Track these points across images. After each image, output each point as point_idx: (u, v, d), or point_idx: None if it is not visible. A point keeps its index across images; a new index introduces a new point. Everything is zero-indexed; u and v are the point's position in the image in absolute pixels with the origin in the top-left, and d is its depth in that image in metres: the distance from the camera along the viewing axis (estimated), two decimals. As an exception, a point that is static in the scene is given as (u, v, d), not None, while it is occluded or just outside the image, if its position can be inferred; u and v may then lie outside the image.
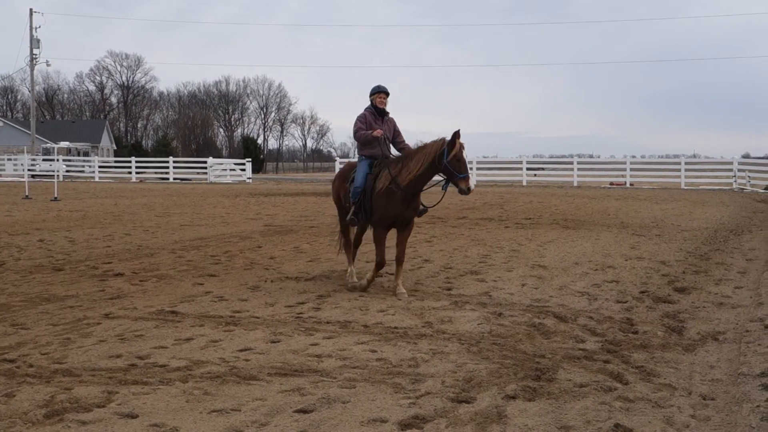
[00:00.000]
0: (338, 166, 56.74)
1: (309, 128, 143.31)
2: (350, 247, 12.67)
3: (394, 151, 12.03)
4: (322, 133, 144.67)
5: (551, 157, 70.59)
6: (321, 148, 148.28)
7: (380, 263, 11.67)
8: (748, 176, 43.32)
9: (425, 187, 11.63)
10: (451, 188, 11.37)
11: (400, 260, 11.71)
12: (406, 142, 12.02)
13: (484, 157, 73.56)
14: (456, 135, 11.11)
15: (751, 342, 8.57)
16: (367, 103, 12.02)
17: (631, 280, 12.67)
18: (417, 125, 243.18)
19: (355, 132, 11.88)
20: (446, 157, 11.10)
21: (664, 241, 18.05)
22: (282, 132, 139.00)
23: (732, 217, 24.91)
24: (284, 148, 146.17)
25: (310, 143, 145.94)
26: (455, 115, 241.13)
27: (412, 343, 8.56)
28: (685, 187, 44.01)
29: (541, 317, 9.85)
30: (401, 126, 12.19)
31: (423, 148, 11.43)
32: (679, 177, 45.49)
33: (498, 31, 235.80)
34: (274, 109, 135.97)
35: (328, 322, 9.64)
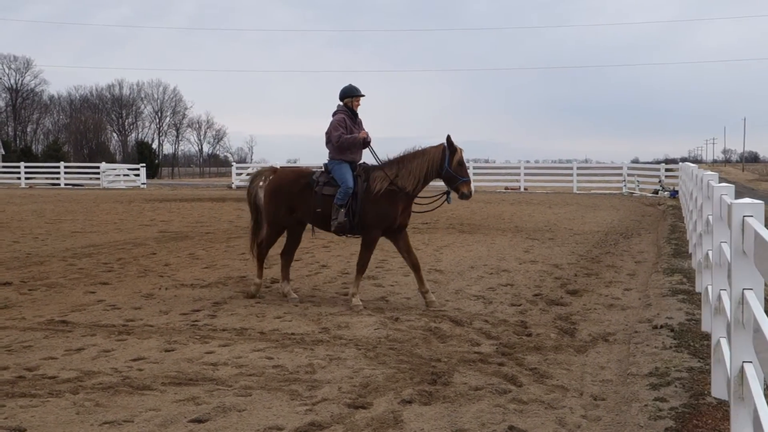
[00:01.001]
0: (235, 171, 56.22)
1: (205, 133, 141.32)
2: (263, 258, 12.17)
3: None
4: (219, 137, 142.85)
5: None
6: (217, 152, 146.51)
7: (363, 270, 11.40)
8: (637, 180, 44.56)
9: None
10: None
11: (417, 266, 11.35)
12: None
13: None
14: (450, 139, 11.13)
15: (639, 343, 8.81)
16: (333, 106, 11.52)
17: (525, 283, 12.90)
18: (311, 130, 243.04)
19: (337, 136, 11.27)
20: (448, 162, 11.07)
21: (557, 245, 18.43)
22: (177, 137, 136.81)
23: (622, 221, 25.59)
24: (180, 152, 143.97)
25: (206, 148, 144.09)
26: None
27: (308, 350, 8.53)
28: (578, 192, 45.03)
29: (437, 321, 9.93)
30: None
31: (424, 153, 11.26)
32: (572, 181, 46.50)
33: (394, 37, 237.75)
34: (169, 113, 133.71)
35: (223, 330, 9.53)
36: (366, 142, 11.43)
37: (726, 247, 5.81)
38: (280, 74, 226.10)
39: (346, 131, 11.36)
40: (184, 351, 8.48)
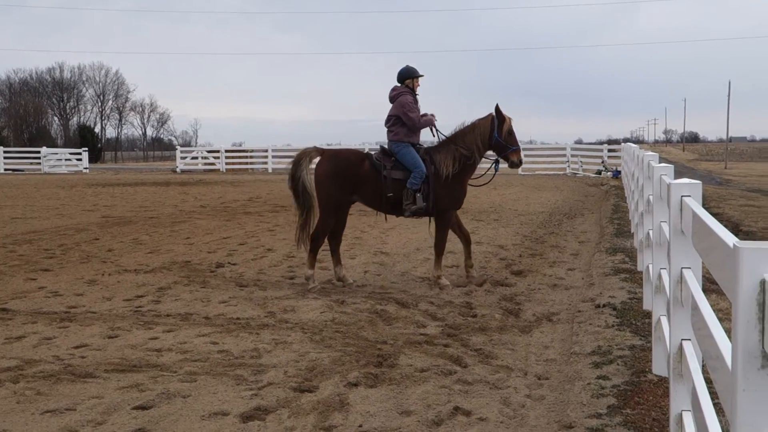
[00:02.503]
0: (179, 155, 55.64)
1: (149, 116, 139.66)
2: (319, 249, 11.56)
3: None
4: (163, 121, 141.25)
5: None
6: (162, 136, 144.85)
7: (443, 251, 11.58)
8: (581, 161, 44.96)
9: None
10: None
11: (468, 240, 11.78)
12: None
13: (328, 144, 73.76)
14: (499, 108, 11.41)
15: (582, 322, 8.91)
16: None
17: (473, 261, 12.97)
18: (256, 113, 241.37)
19: (416, 117, 11.29)
20: (497, 132, 11.35)
21: (502, 226, 18.55)
22: (120, 120, 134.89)
23: (565, 202, 25.84)
24: (123, 137, 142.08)
25: (150, 132, 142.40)
26: (298, 102, 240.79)
27: (254, 334, 8.49)
28: (522, 173, 45.35)
29: (383, 304, 9.95)
30: None
31: (474, 127, 11.43)
32: (516, 162, 46.95)
33: (341, 20, 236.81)
34: (111, 96, 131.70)
35: (168, 315, 9.45)
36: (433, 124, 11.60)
37: (666, 227, 5.88)
38: (227, 57, 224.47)
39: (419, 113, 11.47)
40: (127, 337, 8.39)
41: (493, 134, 11.41)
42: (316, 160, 11.55)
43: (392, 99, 11.57)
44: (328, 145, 69.41)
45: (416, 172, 11.18)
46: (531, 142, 73.83)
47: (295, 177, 11.35)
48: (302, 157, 11.45)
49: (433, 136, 11.67)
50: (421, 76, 11.71)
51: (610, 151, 44.87)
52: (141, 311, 9.71)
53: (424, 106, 11.89)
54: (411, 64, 11.76)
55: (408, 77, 11.63)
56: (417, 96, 11.66)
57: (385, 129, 11.58)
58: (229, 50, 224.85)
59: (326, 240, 11.57)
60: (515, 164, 11.64)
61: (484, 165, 12.10)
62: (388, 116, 11.53)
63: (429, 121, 11.50)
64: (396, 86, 11.69)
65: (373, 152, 11.82)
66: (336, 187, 11.22)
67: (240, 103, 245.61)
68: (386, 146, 11.60)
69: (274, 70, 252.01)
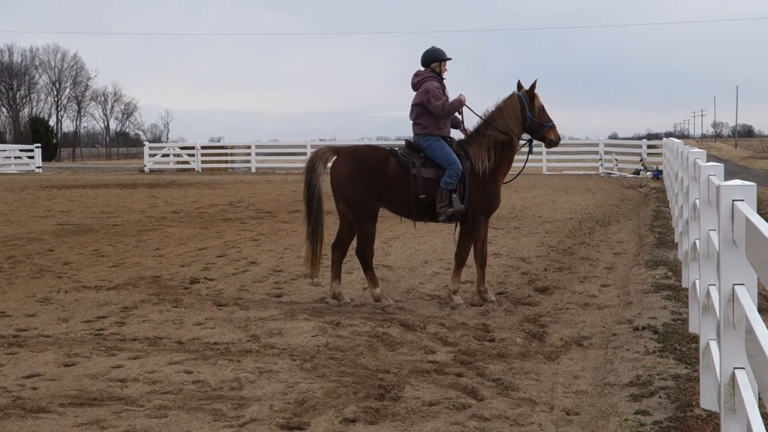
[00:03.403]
0: (148, 152, 55.70)
1: (112, 107, 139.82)
2: (342, 261, 11.72)
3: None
4: (128, 112, 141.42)
5: (398, 138, 71.80)
6: (127, 130, 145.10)
7: (464, 262, 11.65)
8: (616, 159, 45.00)
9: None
10: None
11: (485, 261, 11.86)
12: None
13: (321, 139, 73.78)
14: (521, 84, 11.67)
15: (618, 347, 8.90)
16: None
17: (488, 280, 12.95)
18: (239, 104, 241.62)
19: (441, 105, 11.26)
20: (529, 110, 11.50)
21: (524, 235, 18.56)
22: (79, 112, 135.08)
23: (598, 206, 25.83)
24: (83, 130, 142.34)
25: (113, 125, 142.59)
26: (287, 91, 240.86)
27: (234, 362, 8.48)
28: (547, 173, 45.33)
29: (385, 326, 9.94)
30: None
31: (501, 110, 11.56)
32: (541, 161, 46.74)
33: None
34: (69, 84, 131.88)
35: (134, 339, 9.45)
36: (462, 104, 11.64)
37: (714, 236, 5.88)
38: (205, 39, 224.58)
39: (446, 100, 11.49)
40: (87, 365, 8.39)
41: (526, 113, 11.52)
42: (333, 161, 11.53)
43: (415, 86, 11.61)
44: (321, 141, 69.47)
45: (450, 169, 11.18)
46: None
47: (311, 185, 11.32)
48: (316, 160, 11.41)
49: (461, 123, 11.75)
50: (449, 59, 11.77)
51: (650, 147, 44.91)
52: (103, 335, 9.70)
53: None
54: (437, 45, 11.80)
55: (434, 60, 11.67)
56: (444, 81, 11.71)
57: (410, 121, 11.63)
58: (206, 30, 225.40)
59: (331, 249, 11.66)
60: (554, 142, 11.85)
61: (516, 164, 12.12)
62: (412, 106, 11.57)
63: (457, 104, 11.50)
64: (419, 71, 11.73)
65: (397, 148, 11.80)
66: (358, 191, 11.19)
67: (219, 93, 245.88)
68: (412, 140, 11.63)
69: (259, 53, 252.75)
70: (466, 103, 11.61)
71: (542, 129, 11.66)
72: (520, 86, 11.70)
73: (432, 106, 11.29)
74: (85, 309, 11.13)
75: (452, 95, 11.55)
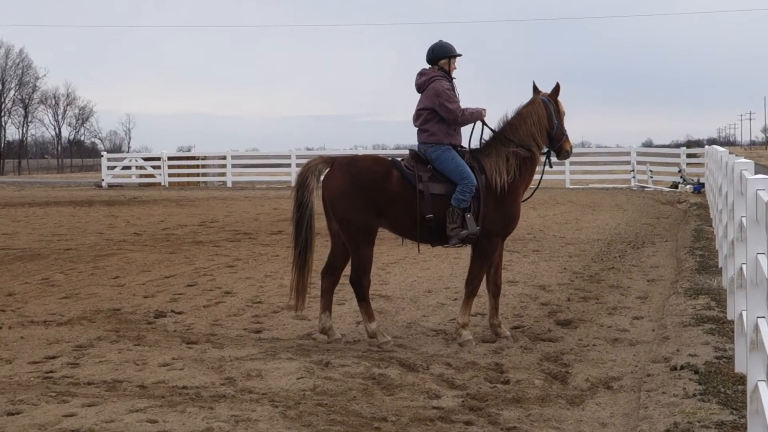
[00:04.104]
0: (106, 164, 55.71)
1: (65, 111, 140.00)
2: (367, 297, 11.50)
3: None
4: (83, 117, 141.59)
5: (397, 147, 71.40)
6: (82, 138, 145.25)
7: (476, 291, 11.69)
8: (650, 171, 44.96)
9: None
10: None
11: (498, 290, 11.94)
12: None
13: (308, 149, 73.89)
14: (535, 85, 11.87)
15: (653, 390, 8.90)
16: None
17: (502, 311, 12.95)
18: (212, 107, 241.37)
19: (460, 110, 11.37)
20: (555, 118, 11.69)
21: (544, 259, 18.56)
22: (26, 117, 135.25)
23: (630, 225, 25.84)
24: (30, 139, 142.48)
25: (66, 132, 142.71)
26: (268, 92, 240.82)
27: (206, 409, 8.48)
28: (571, 186, 45.33)
29: (382, 366, 9.93)
30: None
31: (523, 118, 11.64)
32: (563, 172, 46.68)
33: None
34: (13, 85, 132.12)
35: (90, 383, 9.44)
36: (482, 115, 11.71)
37: (764, 260, 5.89)
38: (173, 32, 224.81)
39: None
40: (33, 414, 8.37)
41: (553, 121, 11.67)
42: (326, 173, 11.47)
43: (421, 87, 11.62)
44: (309, 150, 69.59)
45: (463, 184, 11.15)
46: (583, 144, 73.97)
47: (302, 204, 11.28)
48: (308, 174, 11.36)
49: (480, 137, 11.78)
50: (459, 55, 11.79)
51: (689, 156, 44.99)
52: (53, 378, 9.69)
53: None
54: (445, 40, 11.84)
55: (442, 57, 11.68)
56: (454, 81, 11.72)
57: (415, 128, 11.64)
58: (175, 22, 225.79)
59: (320, 275, 11.63)
60: (568, 153, 12.08)
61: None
62: (418, 111, 11.57)
63: (477, 114, 11.55)
64: (425, 69, 11.74)
65: (400, 159, 11.76)
66: (355, 208, 11.13)
67: (189, 94, 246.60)
68: (417, 150, 11.59)
69: (236, 49, 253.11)
70: (485, 119, 11.66)
71: (562, 139, 11.79)
72: (536, 89, 11.78)
73: (445, 111, 11.31)
74: (32, 348, 11.12)
75: (462, 99, 11.58)
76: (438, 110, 11.32)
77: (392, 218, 11.28)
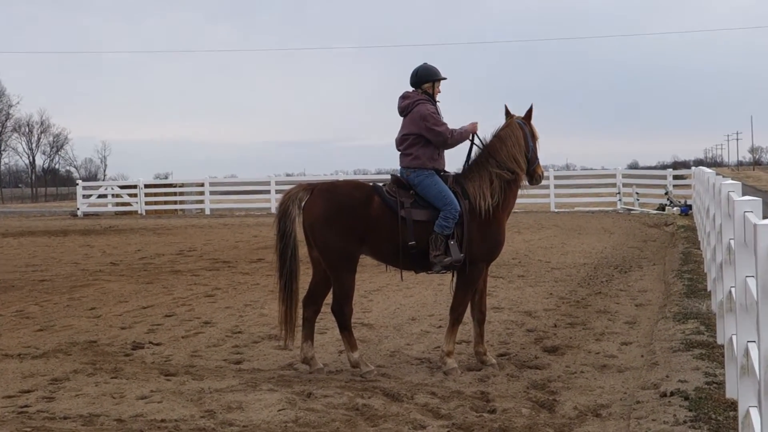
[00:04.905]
0: (82, 192, 55.59)
1: (39, 139, 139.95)
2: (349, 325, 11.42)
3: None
4: (58, 145, 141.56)
5: (379, 172, 71.73)
6: (57, 167, 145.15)
7: (461, 319, 11.64)
8: (636, 193, 45.16)
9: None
10: None
11: (483, 317, 11.91)
12: None
13: (287, 174, 73.85)
14: (528, 111, 11.91)
15: (642, 417, 8.90)
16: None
17: (487, 338, 12.95)
18: (188, 133, 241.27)
19: (449, 131, 11.42)
20: (531, 141, 11.72)
21: (529, 285, 18.58)
22: (0, 146, 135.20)
23: (617, 249, 25.91)
24: (3, 167, 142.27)
25: (40, 161, 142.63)
26: (245, 118, 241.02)
27: (186, 442, 8.44)
28: (556, 210, 45.43)
29: (365, 396, 9.92)
30: None
31: (503, 140, 11.62)
32: (548, 195, 46.78)
33: (299, 4, 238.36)
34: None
35: (65, 418, 9.41)
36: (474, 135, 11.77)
37: (752, 284, 5.90)
38: (147, 57, 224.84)
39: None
40: (8, 450, 8.34)
41: (529, 144, 11.71)
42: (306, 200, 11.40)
43: (404, 110, 11.62)
44: (288, 176, 69.66)
45: (446, 210, 11.14)
46: (567, 167, 74.15)
47: (286, 233, 11.28)
48: (289, 203, 11.35)
49: (468, 156, 11.78)
50: (444, 78, 11.81)
51: (676, 178, 45.16)
52: (28, 413, 9.64)
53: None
54: (430, 62, 11.84)
55: (426, 80, 11.69)
56: (438, 104, 11.75)
57: (398, 152, 11.66)
58: (148, 47, 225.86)
59: (302, 304, 11.58)
60: (540, 178, 12.07)
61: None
62: (403, 135, 11.56)
63: (465, 134, 11.58)
64: (408, 92, 11.75)
65: (381, 184, 11.69)
66: (335, 235, 11.12)
67: (165, 121, 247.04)
68: (399, 174, 11.61)
69: (212, 74, 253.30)
70: (477, 133, 11.71)
71: (535, 162, 11.82)
72: (509, 112, 11.82)
73: (434, 135, 11.34)
74: (7, 382, 11.06)
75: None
76: (425, 134, 11.34)
77: (374, 245, 11.27)
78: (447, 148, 11.54)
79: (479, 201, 11.31)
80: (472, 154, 11.76)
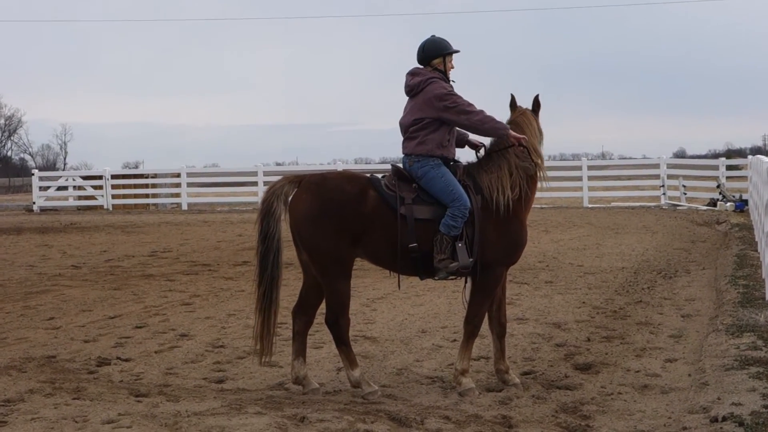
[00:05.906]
0: (38, 183, 55.58)
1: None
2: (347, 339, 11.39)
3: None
4: (11, 129, 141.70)
5: (383, 161, 71.32)
6: (9, 154, 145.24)
7: (477, 331, 11.60)
8: (683, 185, 44.99)
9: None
10: None
11: (504, 329, 11.85)
12: None
13: (277, 164, 73.81)
14: (536, 101, 11.98)
15: (690, 446, 8.92)
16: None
17: (509, 354, 12.96)
18: (166, 115, 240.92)
19: (481, 112, 11.31)
20: (540, 136, 11.92)
21: (558, 292, 18.57)
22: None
23: (660, 251, 25.89)
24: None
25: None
26: (230, 97, 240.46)
27: (159, 474, 8.47)
28: (590, 205, 45.35)
29: (368, 421, 9.91)
30: None
31: (523, 130, 11.63)
32: (581, 188, 46.64)
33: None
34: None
35: (19, 445, 9.42)
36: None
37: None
38: (115, 26, 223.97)
39: None
40: (-47, 482, 8.36)
41: (541, 137, 11.88)
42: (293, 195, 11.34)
43: (413, 89, 11.51)
44: (278, 165, 69.61)
45: (454, 206, 11.04)
46: (603, 156, 74.08)
47: (268, 235, 11.20)
48: (272, 199, 11.26)
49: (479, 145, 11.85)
50: (456, 51, 11.75)
51: (730, 168, 45.04)
52: (-24, 439, 9.66)
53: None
54: (437, 35, 11.78)
55: (437, 55, 11.63)
56: (453, 83, 11.66)
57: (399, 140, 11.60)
58: (117, 16, 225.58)
59: (293, 315, 11.54)
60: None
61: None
62: (414, 119, 11.40)
63: (501, 129, 11.39)
64: (417, 69, 11.67)
65: (380, 175, 11.59)
66: (324, 236, 11.04)
67: (135, 100, 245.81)
68: (401, 165, 11.54)
69: (188, 46, 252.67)
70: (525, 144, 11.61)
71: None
72: (514, 104, 11.85)
73: (459, 116, 11.22)
74: (-48, 403, 11.08)
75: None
76: (446, 117, 11.23)
77: (369, 247, 11.19)
78: (477, 133, 11.50)
79: (497, 195, 11.22)
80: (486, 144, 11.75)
